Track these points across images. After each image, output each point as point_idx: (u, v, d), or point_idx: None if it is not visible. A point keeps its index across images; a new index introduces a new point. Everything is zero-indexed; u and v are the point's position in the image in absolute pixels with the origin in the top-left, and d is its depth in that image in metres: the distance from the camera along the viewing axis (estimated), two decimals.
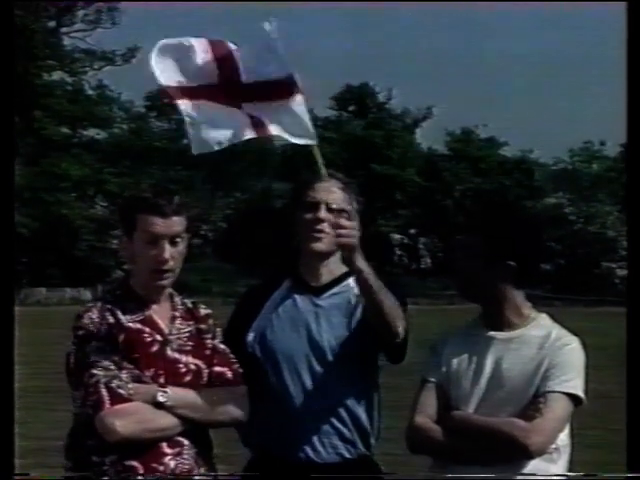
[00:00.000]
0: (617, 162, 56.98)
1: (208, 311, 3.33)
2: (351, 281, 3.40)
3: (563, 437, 3.19)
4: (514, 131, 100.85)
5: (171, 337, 3.19)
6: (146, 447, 3.07)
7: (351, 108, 65.16)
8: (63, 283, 49.83)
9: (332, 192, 3.39)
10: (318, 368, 3.36)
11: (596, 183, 61.86)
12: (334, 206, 3.36)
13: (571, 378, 3.15)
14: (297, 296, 3.44)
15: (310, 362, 3.36)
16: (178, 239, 3.16)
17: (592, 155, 64.66)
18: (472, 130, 64.00)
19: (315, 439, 3.33)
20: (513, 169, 61.45)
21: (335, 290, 3.44)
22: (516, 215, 3.41)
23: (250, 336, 3.40)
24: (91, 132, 60.91)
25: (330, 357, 3.36)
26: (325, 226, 3.33)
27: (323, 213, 3.36)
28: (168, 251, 3.13)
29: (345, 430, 3.36)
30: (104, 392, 3.04)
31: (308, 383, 3.35)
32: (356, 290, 3.38)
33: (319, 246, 3.39)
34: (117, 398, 3.04)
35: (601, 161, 63.69)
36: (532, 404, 3.11)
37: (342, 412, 3.35)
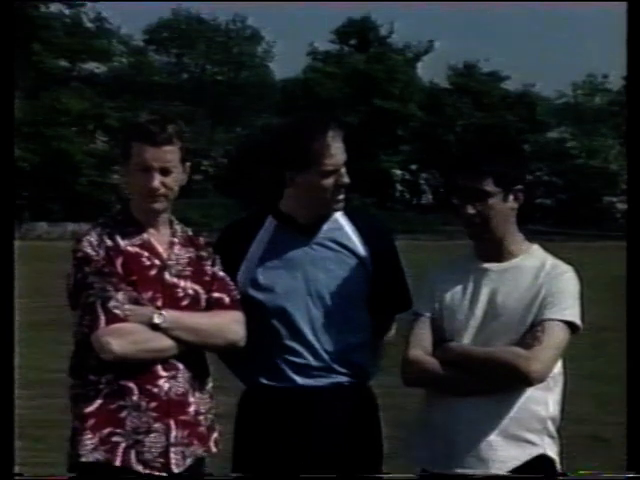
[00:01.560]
0: (620, 95, 56.60)
1: (208, 240, 3.35)
2: (339, 216, 3.40)
3: (558, 365, 3.21)
4: (516, 65, 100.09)
5: (170, 262, 3.22)
6: (141, 368, 3.12)
7: (352, 42, 64.59)
8: (64, 218, 49.90)
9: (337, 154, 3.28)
10: (314, 307, 3.36)
11: (599, 116, 61.55)
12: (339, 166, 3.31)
13: (568, 306, 3.16)
14: (287, 235, 3.40)
15: (306, 301, 3.36)
16: (171, 168, 3.17)
17: (595, 88, 64.26)
18: (474, 64, 63.53)
19: (311, 369, 3.34)
20: (515, 103, 61.08)
21: (326, 227, 3.41)
22: (511, 143, 3.39)
23: (240, 277, 3.37)
24: (90, 66, 60.49)
25: (326, 295, 3.36)
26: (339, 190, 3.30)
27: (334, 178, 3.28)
28: (158, 179, 3.15)
29: (342, 364, 3.35)
30: (100, 312, 3.08)
31: (305, 321, 3.35)
32: (347, 228, 3.39)
33: (339, 207, 3.36)
34: (113, 318, 3.08)
35: (604, 94, 63.30)
36: (530, 332, 3.12)
37: (339, 345, 3.35)
